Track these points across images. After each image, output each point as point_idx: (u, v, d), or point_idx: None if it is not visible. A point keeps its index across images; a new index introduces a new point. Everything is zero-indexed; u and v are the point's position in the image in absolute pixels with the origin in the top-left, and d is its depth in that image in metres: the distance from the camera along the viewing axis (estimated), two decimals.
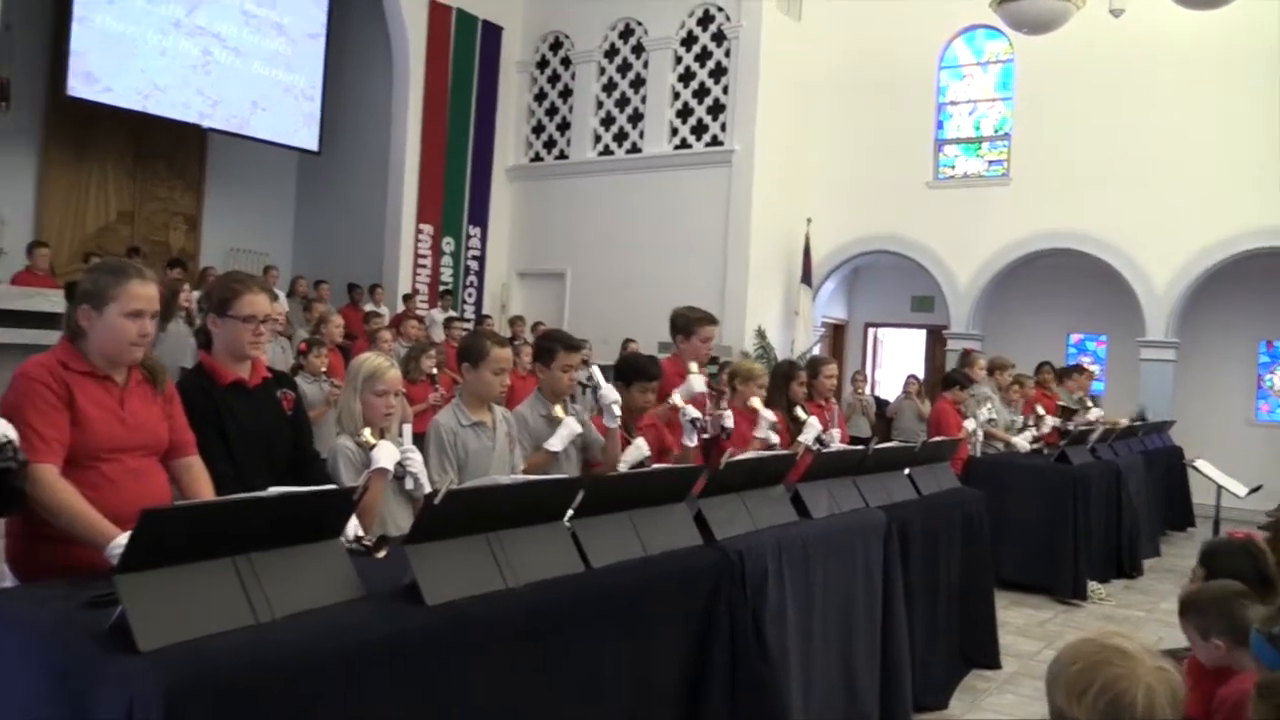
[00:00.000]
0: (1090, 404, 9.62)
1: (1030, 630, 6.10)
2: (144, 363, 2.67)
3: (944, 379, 7.66)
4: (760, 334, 12.79)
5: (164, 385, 2.72)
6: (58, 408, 2.45)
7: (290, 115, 13.62)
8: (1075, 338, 13.99)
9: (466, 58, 14.30)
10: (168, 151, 13.88)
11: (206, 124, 12.86)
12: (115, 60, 11.69)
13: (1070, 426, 8.46)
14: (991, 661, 5.13)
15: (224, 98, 12.79)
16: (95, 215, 13.27)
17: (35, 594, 2.28)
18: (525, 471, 3.65)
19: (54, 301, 6.59)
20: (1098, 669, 1.55)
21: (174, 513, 2.04)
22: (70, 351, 2.56)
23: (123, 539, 2.26)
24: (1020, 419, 8.13)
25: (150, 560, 1.90)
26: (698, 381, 4.66)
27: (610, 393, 3.98)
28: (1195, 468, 8.80)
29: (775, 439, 5.00)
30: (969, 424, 7.17)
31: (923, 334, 15.43)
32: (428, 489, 3.25)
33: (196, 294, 9.67)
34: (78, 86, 11.45)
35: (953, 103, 13.55)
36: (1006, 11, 9.26)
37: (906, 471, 4.76)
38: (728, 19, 13.22)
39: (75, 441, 2.48)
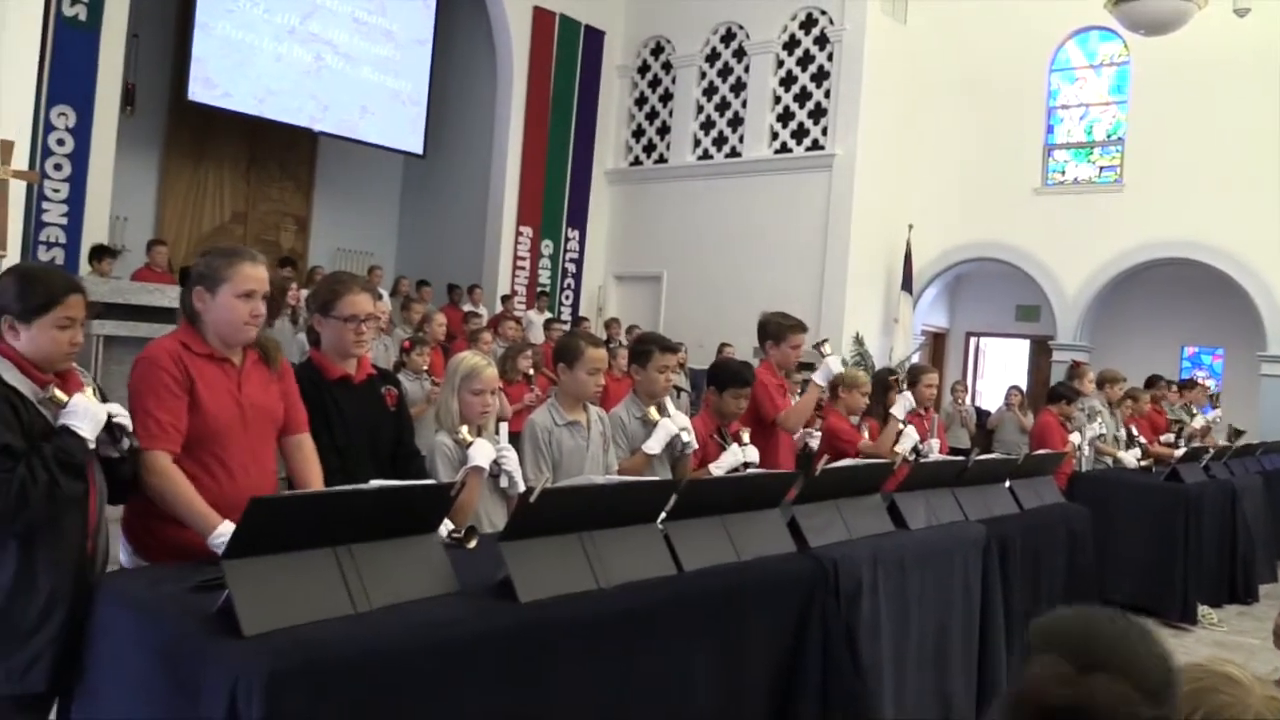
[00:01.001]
0: (1195, 412, 9.21)
1: None
2: (258, 341, 2.75)
3: (1050, 391, 7.43)
4: (858, 341, 12.60)
5: (278, 363, 2.80)
6: (176, 394, 2.53)
7: (397, 119, 13.95)
8: (1190, 351, 13.46)
9: (569, 62, 14.46)
10: (280, 154, 14.36)
11: (317, 128, 13.25)
12: (233, 66, 12.14)
13: (1178, 440, 8.15)
14: None
15: (334, 102, 13.17)
16: (211, 215, 13.81)
17: (149, 575, 2.39)
18: (622, 473, 3.65)
19: (171, 297, 6.85)
20: (1202, 695, 1.44)
21: (280, 502, 2.11)
22: (190, 332, 2.65)
23: (224, 529, 2.37)
24: (1127, 436, 7.85)
25: (256, 547, 1.96)
26: (835, 362, 4.79)
27: (679, 418, 3.98)
28: None
29: (915, 437, 5.01)
30: (1074, 438, 6.95)
31: (1027, 344, 15.03)
32: (522, 487, 3.28)
33: (304, 293, 10.01)
34: (198, 91, 11.92)
35: (1064, 106, 13.18)
36: (1123, 12, 8.97)
37: (1008, 484, 4.63)
38: (831, 22, 13.08)
39: (196, 424, 2.56)
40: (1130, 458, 7.51)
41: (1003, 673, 4.00)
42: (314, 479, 2.79)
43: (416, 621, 2.05)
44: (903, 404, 5.06)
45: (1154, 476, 7.23)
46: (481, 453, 3.20)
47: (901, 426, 5.17)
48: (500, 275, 13.85)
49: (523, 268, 14.15)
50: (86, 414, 2.27)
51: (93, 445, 2.28)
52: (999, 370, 15.53)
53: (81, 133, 9.98)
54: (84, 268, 9.42)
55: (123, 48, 10.53)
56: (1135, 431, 8.02)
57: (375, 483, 2.27)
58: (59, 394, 2.28)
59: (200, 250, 3.12)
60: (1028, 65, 13.04)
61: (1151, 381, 9.02)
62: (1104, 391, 7.83)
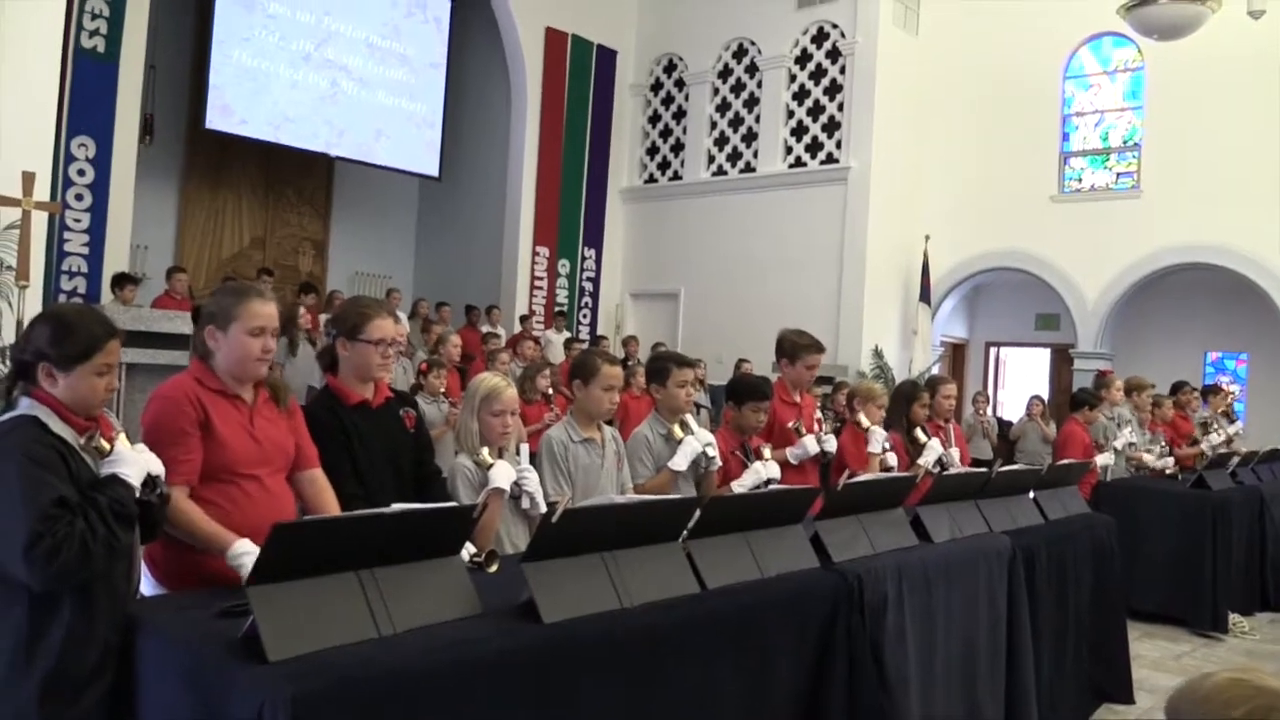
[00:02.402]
0: (1224, 421, 9.11)
1: (1165, 664, 5.81)
2: (268, 381, 2.78)
3: (1072, 399, 7.38)
4: (877, 353, 12.57)
5: (287, 402, 2.83)
6: (189, 432, 2.56)
7: (412, 143, 14.05)
8: (1213, 356, 13.35)
9: (582, 82, 14.53)
10: (297, 180, 14.49)
11: (334, 152, 13.36)
12: (249, 94, 12.26)
13: (1205, 448, 8.07)
14: (1124, 696, 4.88)
15: (350, 127, 13.27)
16: (230, 241, 13.93)
17: (175, 602, 2.40)
18: (648, 491, 3.65)
19: (190, 324, 6.92)
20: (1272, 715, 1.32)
21: (302, 527, 2.11)
22: (203, 370, 2.69)
23: (239, 546, 2.40)
24: (1158, 445, 7.78)
25: (280, 572, 1.96)
26: (811, 443, 4.65)
27: (703, 435, 3.97)
28: None
29: (892, 458, 4.91)
30: (1103, 458, 6.89)
31: (1047, 353, 14.94)
32: (543, 508, 3.29)
33: (324, 317, 10.06)
34: (215, 119, 12.04)
35: (1078, 114, 13.14)
36: (1136, 18, 8.94)
37: (1032, 495, 4.59)
38: (843, 35, 13.11)
39: (212, 459, 2.59)
40: (1151, 457, 7.46)
41: (1031, 685, 3.96)
42: (331, 510, 2.81)
43: (441, 644, 2.05)
44: (875, 440, 4.94)
45: (1180, 484, 7.16)
46: (502, 474, 3.21)
47: (924, 439, 5.14)
48: (518, 295, 13.91)
49: (540, 288, 14.20)
50: (134, 462, 2.26)
51: (138, 493, 2.27)
52: (1020, 380, 15.45)
53: (101, 163, 10.10)
54: (106, 296, 9.51)
55: (141, 78, 10.67)
56: (1165, 440, 7.96)
57: (397, 506, 2.28)
58: (103, 443, 2.26)
59: (210, 291, 3.15)
60: (1041, 73, 13.01)
61: (1176, 388, 8.94)
62: (1131, 399, 7.77)
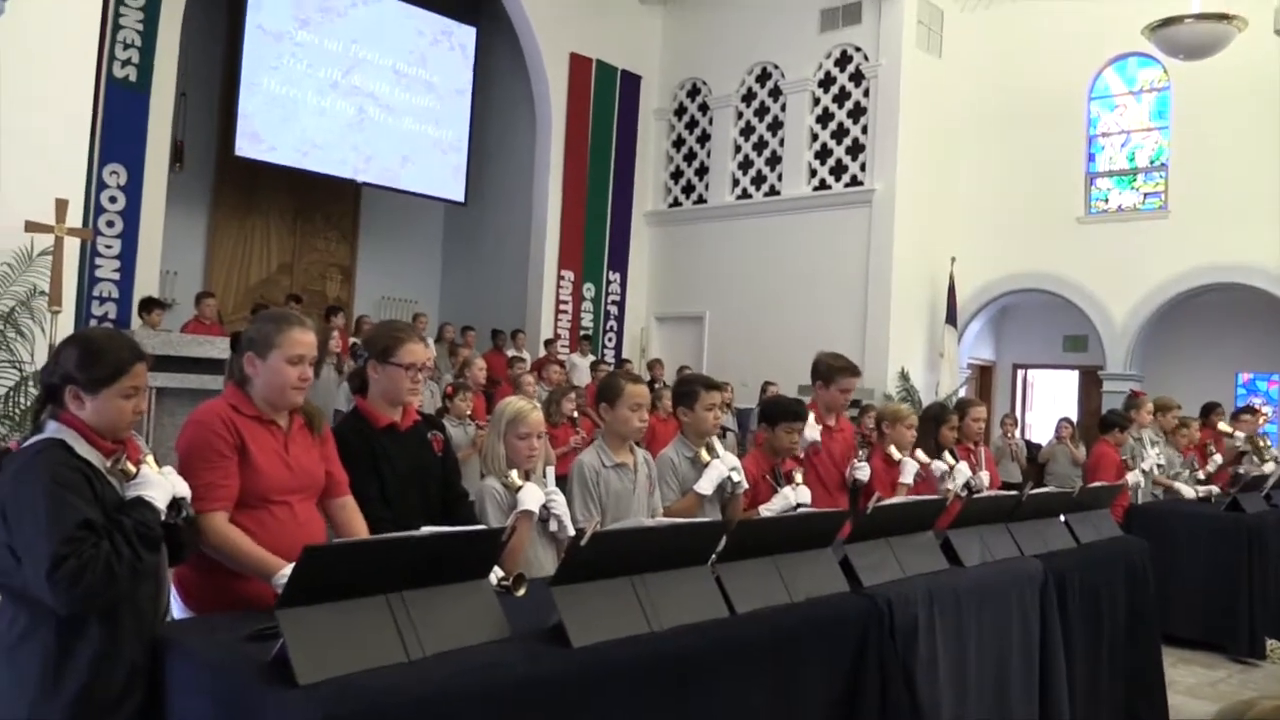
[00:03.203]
0: (1268, 453, 8.94)
1: (1201, 690, 5.70)
2: (303, 408, 2.79)
3: (1101, 421, 7.30)
4: (904, 376, 12.50)
5: (321, 429, 2.84)
6: (226, 455, 2.57)
7: (438, 168, 14.17)
8: (1244, 377, 13.17)
9: (606, 107, 14.62)
10: (324, 206, 14.64)
11: (361, 178, 13.50)
12: (278, 121, 12.42)
13: (1240, 470, 7.94)
14: None
15: (377, 153, 13.41)
16: (258, 267, 14.07)
17: (204, 625, 2.41)
18: (674, 515, 3.63)
19: (219, 348, 6.96)
20: None
21: (332, 550, 2.11)
22: (239, 395, 2.70)
23: (289, 570, 2.38)
24: (1185, 467, 7.68)
25: (309, 596, 1.96)
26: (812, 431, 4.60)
27: (729, 459, 3.94)
28: None
29: (967, 473, 4.93)
30: (1132, 476, 6.80)
31: (1075, 375, 14.81)
32: (571, 531, 3.28)
33: (352, 342, 10.13)
34: (245, 146, 12.21)
35: (1104, 134, 13.07)
36: (1161, 38, 8.88)
37: (1063, 518, 4.54)
38: (866, 59, 13.13)
39: (246, 484, 2.60)
40: (1189, 489, 7.35)
41: (1065, 712, 3.89)
42: (361, 535, 2.81)
43: (469, 668, 2.04)
44: (908, 471, 4.90)
45: (1214, 507, 7.06)
46: (531, 497, 3.20)
47: (954, 462, 5.09)
48: (543, 319, 13.95)
49: (565, 311, 14.24)
50: (159, 485, 2.27)
51: (163, 516, 2.28)
52: (1048, 402, 15.31)
53: (133, 190, 10.24)
54: (135, 321, 9.61)
55: (172, 106, 10.82)
56: (1196, 464, 7.85)
57: (426, 529, 2.28)
58: (129, 465, 2.27)
59: (251, 317, 3.16)
60: (1066, 93, 12.96)
61: (1207, 409, 8.81)
62: (1157, 420, 7.68)
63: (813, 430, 4.62)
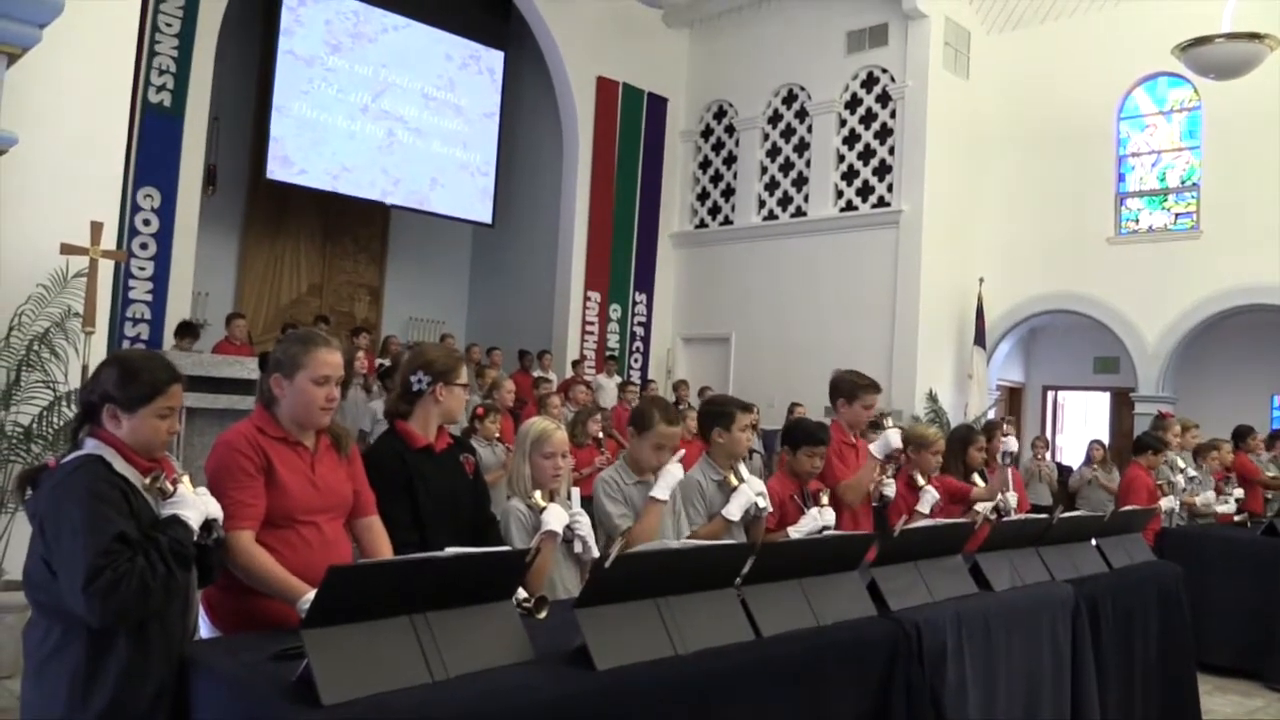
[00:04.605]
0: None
1: None
2: (330, 428, 2.81)
3: (1135, 443, 7.21)
4: (932, 397, 12.41)
5: (348, 449, 2.86)
6: (253, 475, 2.59)
7: (466, 190, 14.28)
8: None
9: (633, 129, 14.69)
10: (354, 228, 14.78)
11: (390, 201, 13.63)
12: (309, 145, 12.57)
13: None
14: None
15: (405, 176, 13.54)
16: (289, 288, 14.21)
17: (230, 645, 2.41)
18: (701, 539, 3.61)
19: (250, 369, 7.03)
20: None
21: (357, 571, 2.12)
22: (265, 417, 2.72)
23: (310, 595, 2.39)
24: (1208, 494, 7.56)
25: (334, 616, 1.97)
26: (895, 436, 4.61)
27: (755, 483, 3.93)
28: None
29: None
30: (1165, 503, 6.71)
31: (1107, 397, 14.65)
32: (595, 552, 3.28)
33: (380, 362, 10.19)
34: (276, 170, 12.36)
35: (1135, 154, 12.97)
36: (1192, 57, 8.80)
37: (1094, 542, 4.47)
38: (892, 80, 13.12)
39: (273, 504, 2.62)
40: (1210, 495, 7.27)
41: None
42: (386, 555, 2.81)
43: (493, 690, 2.04)
44: (926, 500, 4.85)
45: (1249, 531, 6.94)
46: (555, 517, 3.20)
47: (982, 484, 5.05)
48: (569, 340, 13.98)
49: (591, 332, 14.26)
50: (194, 505, 2.30)
51: (195, 536, 2.30)
52: (1079, 424, 15.15)
53: (166, 213, 10.37)
54: (168, 342, 9.72)
55: (204, 131, 10.97)
56: (1228, 487, 7.73)
57: (450, 550, 2.28)
58: (167, 484, 2.30)
59: (278, 339, 3.21)
60: (1095, 114, 12.88)
61: (1240, 433, 8.68)
62: (1181, 440, 7.59)
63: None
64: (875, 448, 4.56)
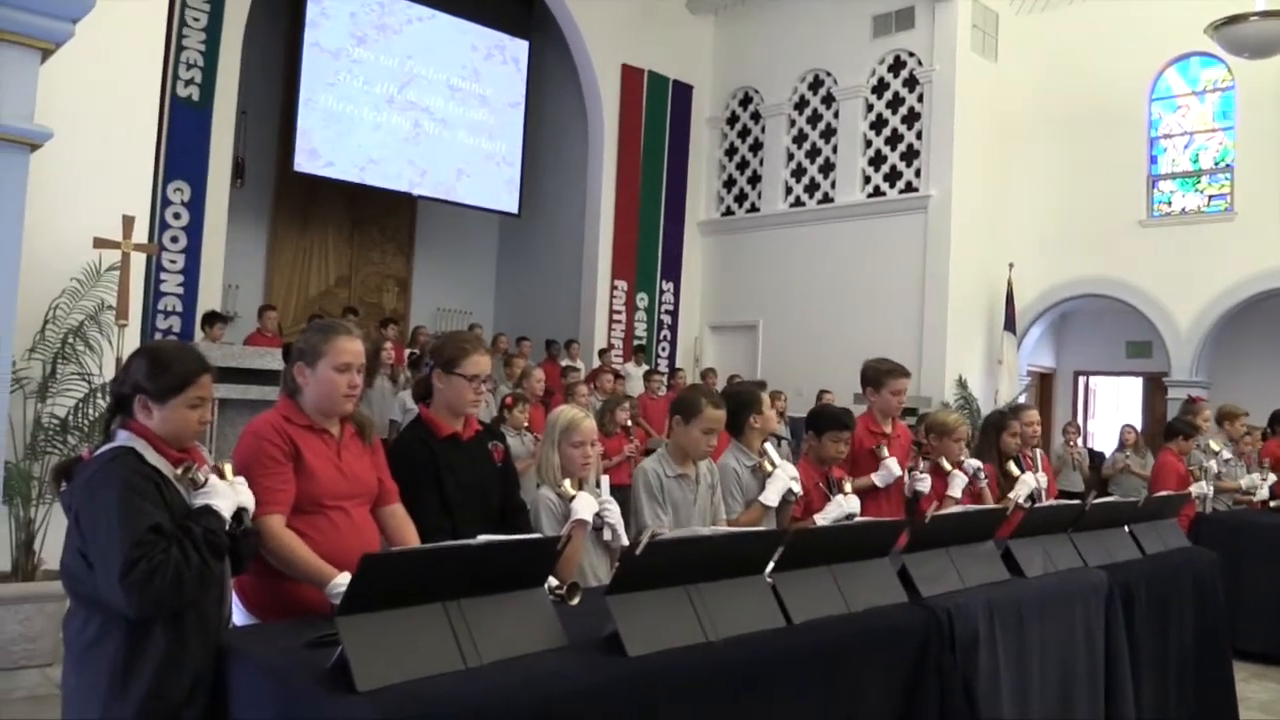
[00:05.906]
0: None
1: (1275, 707, 5.53)
2: (353, 417, 2.84)
3: (1166, 429, 7.13)
4: (961, 383, 12.33)
5: (372, 438, 2.90)
6: (282, 462, 2.63)
7: (492, 181, 14.31)
8: None
9: (659, 117, 14.65)
10: (381, 219, 14.85)
11: (416, 192, 13.68)
12: (335, 137, 12.64)
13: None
14: None
15: (432, 167, 13.58)
16: (317, 280, 14.31)
17: (264, 632, 2.45)
18: (740, 527, 3.61)
19: (279, 359, 7.08)
20: None
21: (391, 558, 2.13)
22: (291, 406, 2.75)
23: (341, 579, 2.43)
24: (1253, 476, 7.47)
25: (368, 603, 1.98)
26: (894, 465, 4.59)
27: (788, 467, 3.94)
28: None
29: (1032, 483, 4.88)
30: (1196, 488, 6.63)
31: (1139, 382, 14.50)
32: (625, 540, 3.28)
33: (409, 352, 10.24)
34: (303, 162, 12.43)
35: (1167, 135, 12.79)
36: (1224, 36, 8.68)
37: (1128, 529, 4.43)
38: (920, 64, 13.01)
39: (302, 490, 2.65)
40: (1254, 481, 7.18)
41: None
42: (412, 543, 2.84)
43: (526, 676, 2.04)
44: (956, 485, 4.81)
45: None
46: (585, 506, 3.21)
47: (1017, 473, 5.01)
48: (596, 329, 14.00)
49: (618, 321, 14.27)
50: (225, 494, 2.32)
51: (227, 525, 2.32)
52: (1110, 410, 15.00)
53: (195, 206, 10.47)
54: (198, 334, 9.81)
55: (232, 124, 11.06)
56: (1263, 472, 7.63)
57: (482, 538, 2.29)
58: (199, 474, 2.32)
59: (300, 329, 3.23)
60: (1126, 95, 12.71)
61: (1277, 419, 8.54)
62: (1224, 429, 7.49)
63: (894, 466, 4.57)
64: (877, 478, 4.54)
